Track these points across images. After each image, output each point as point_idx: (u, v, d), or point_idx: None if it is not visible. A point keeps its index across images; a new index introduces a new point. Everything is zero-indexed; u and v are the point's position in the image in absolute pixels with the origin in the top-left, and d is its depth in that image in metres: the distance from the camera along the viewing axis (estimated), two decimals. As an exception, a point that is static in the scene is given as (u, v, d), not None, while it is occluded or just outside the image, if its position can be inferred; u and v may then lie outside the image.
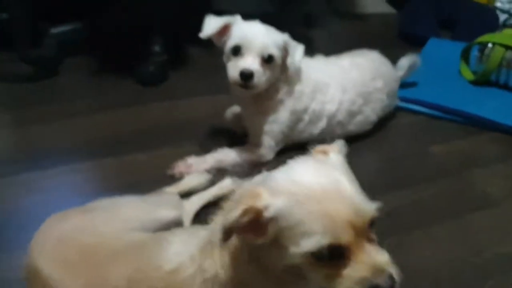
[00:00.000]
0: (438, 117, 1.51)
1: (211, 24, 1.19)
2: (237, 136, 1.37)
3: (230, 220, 0.60)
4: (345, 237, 0.59)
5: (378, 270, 0.60)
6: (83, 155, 1.28)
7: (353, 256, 0.60)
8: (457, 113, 1.49)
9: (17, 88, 1.60)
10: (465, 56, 1.69)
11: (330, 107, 1.31)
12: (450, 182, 1.24)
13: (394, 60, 1.50)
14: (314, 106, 1.29)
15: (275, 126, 1.27)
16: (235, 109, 1.41)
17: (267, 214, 0.60)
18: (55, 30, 1.71)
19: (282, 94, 1.25)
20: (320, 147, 0.70)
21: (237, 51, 1.16)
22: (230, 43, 1.17)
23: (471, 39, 1.72)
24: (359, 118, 1.36)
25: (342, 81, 1.32)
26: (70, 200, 1.12)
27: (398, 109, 1.52)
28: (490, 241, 1.07)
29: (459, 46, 1.74)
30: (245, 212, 0.60)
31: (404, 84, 1.54)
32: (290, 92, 1.26)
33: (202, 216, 1.08)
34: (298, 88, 1.27)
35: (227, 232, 0.62)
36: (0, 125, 1.42)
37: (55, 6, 1.86)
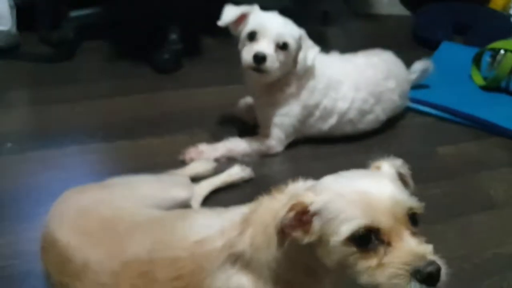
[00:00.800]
0: (447, 120, 1.53)
1: (229, 12, 1.22)
2: (248, 126, 1.40)
3: (280, 217, 0.64)
4: (384, 221, 0.60)
5: (420, 257, 0.60)
6: (99, 136, 1.32)
7: (394, 243, 0.60)
8: (466, 117, 1.52)
9: (37, 68, 1.64)
10: (476, 61, 1.71)
11: (342, 105, 1.32)
12: (455, 183, 1.27)
13: (407, 61, 1.52)
14: (326, 102, 1.31)
15: (285, 119, 1.30)
16: (248, 100, 1.44)
17: (312, 208, 0.63)
18: (74, 13, 1.75)
19: (293, 87, 1.27)
20: (376, 163, 0.72)
21: (252, 36, 1.19)
22: (247, 29, 1.20)
23: (484, 45, 1.73)
24: (369, 117, 1.38)
25: (356, 79, 1.34)
26: (85, 178, 1.16)
27: (408, 109, 1.54)
28: (490, 241, 1.10)
29: (471, 51, 1.76)
30: (292, 207, 0.64)
31: (415, 86, 1.57)
32: (303, 87, 1.28)
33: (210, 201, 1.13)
34: (311, 83, 1.29)
35: (280, 232, 0.65)
36: (20, 103, 1.47)
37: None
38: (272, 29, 1.18)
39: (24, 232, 1.02)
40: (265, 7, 1.87)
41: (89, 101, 1.48)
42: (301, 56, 1.22)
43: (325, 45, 1.35)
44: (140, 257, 0.74)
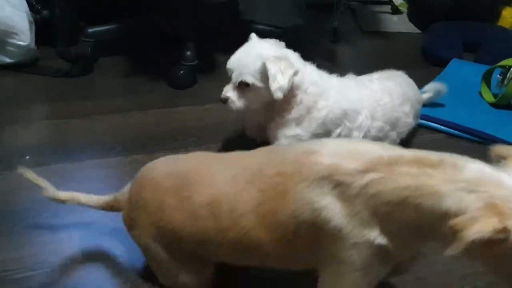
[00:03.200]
0: (457, 136, 1.55)
1: None
2: (258, 144, 1.42)
3: (478, 236, 0.59)
4: None
5: None
6: (116, 150, 1.36)
7: None
8: (476, 133, 1.53)
9: (55, 83, 1.68)
10: (486, 78, 1.73)
11: (357, 134, 1.28)
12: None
13: (416, 79, 1.54)
14: (340, 131, 1.26)
15: (292, 141, 1.25)
16: (253, 119, 1.40)
17: None
18: (91, 29, 1.80)
19: (295, 113, 1.22)
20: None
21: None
22: None
23: (494, 62, 1.75)
24: (384, 142, 1.32)
25: (373, 108, 1.29)
26: (102, 191, 1.18)
27: (418, 126, 1.56)
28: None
29: (481, 68, 1.78)
30: (498, 231, 0.59)
31: (426, 103, 1.59)
32: (309, 113, 1.23)
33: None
34: (322, 112, 1.23)
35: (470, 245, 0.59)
36: (39, 117, 1.51)
37: (94, 7, 1.95)
38: (230, 69, 1.21)
39: (43, 244, 1.05)
40: (277, 26, 1.91)
41: (106, 115, 1.52)
42: (271, 83, 1.15)
43: (335, 63, 1.37)
44: (254, 165, 0.81)
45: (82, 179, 1.24)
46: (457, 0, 2.23)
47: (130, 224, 0.89)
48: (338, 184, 0.71)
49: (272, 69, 1.15)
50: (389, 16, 2.46)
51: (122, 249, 1.05)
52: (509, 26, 2.23)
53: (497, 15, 2.28)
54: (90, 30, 1.80)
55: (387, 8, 2.51)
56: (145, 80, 1.73)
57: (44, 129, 1.46)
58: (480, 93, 1.74)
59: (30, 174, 0.99)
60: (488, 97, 1.71)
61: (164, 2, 1.85)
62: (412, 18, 2.43)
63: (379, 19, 2.41)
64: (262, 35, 1.90)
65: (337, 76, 1.31)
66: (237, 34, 2.00)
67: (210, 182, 0.82)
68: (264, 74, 1.17)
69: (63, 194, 0.98)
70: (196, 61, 1.71)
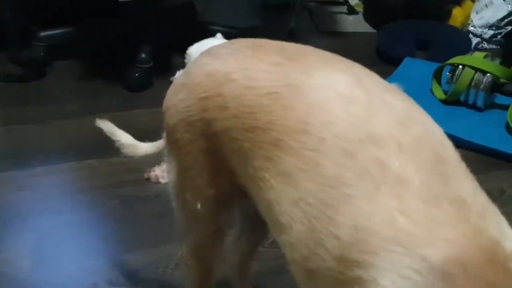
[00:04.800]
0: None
1: None
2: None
3: None
4: None
5: None
6: (69, 155, 1.33)
7: None
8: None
9: (6, 88, 1.64)
10: (437, 76, 1.79)
11: None
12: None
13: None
14: None
15: None
16: None
17: None
18: (44, 33, 1.76)
19: None
20: None
21: None
22: None
23: (445, 60, 1.81)
24: None
25: None
26: (55, 198, 1.17)
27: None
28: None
29: (433, 66, 1.83)
30: None
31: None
32: None
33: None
34: None
35: None
36: (-11, 123, 1.47)
37: (46, 10, 1.91)
38: (188, 55, 1.38)
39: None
40: (234, 26, 1.91)
41: (59, 120, 1.49)
42: None
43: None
44: None
45: (34, 186, 1.22)
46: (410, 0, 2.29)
47: None
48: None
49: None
50: (345, 16, 2.50)
51: (78, 255, 1.04)
52: (459, 25, 2.31)
53: (448, 15, 2.35)
54: (42, 33, 1.76)
55: (343, 8, 2.55)
56: (100, 83, 1.71)
57: (-5, 136, 1.43)
58: (431, 91, 1.80)
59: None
60: (439, 94, 1.77)
61: (119, 5, 1.83)
62: (367, 18, 2.47)
63: (335, 19, 2.45)
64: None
65: None
66: (193, 35, 2.00)
67: None
68: None
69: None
70: (152, 63, 1.70)
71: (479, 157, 1.50)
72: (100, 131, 1.45)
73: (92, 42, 1.88)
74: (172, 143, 0.68)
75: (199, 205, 0.68)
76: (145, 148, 0.86)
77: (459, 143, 1.63)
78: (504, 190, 1.38)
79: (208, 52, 0.67)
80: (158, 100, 1.65)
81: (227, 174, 0.63)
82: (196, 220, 0.71)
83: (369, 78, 0.58)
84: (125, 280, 1.00)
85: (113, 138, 0.88)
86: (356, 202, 0.46)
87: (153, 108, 1.60)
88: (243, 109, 0.56)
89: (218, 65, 0.62)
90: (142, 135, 1.46)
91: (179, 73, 1.39)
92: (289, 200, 0.50)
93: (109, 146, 1.38)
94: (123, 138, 0.89)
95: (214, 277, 0.79)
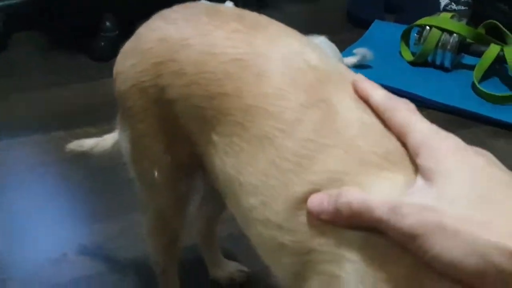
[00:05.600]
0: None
1: None
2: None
3: None
4: None
5: None
6: (35, 128, 1.31)
7: None
8: (397, 92, 1.59)
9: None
10: (405, 38, 1.79)
11: None
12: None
13: (342, 41, 1.57)
14: None
15: None
16: None
17: None
18: (1, 3, 1.70)
19: None
20: None
21: None
22: None
23: (412, 22, 1.82)
24: None
25: None
26: (22, 172, 1.15)
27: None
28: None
29: (401, 28, 1.83)
30: None
31: (352, 66, 1.62)
32: None
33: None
34: None
35: None
36: (-51, 97, 1.43)
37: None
38: None
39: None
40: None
41: (24, 94, 1.46)
42: None
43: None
44: None
45: (0, 160, 1.20)
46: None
47: None
48: None
49: None
50: (315, -21, 2.47)
51: (47, 227, 1.03)
52: (428, -14, 2.30)
53: (417, -24, 2.34)
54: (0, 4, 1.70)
55: (314, -29, 2.52)
56: (64, 54, 1.66)
57: (-44, 111, 1.39)
58: (400, 53, 1.80)
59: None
60: (407, 55, 1.78)
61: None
62: (337, -19, 2.45)
63: (305, -18, 2.42)
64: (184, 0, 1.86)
65: None
66: (159, 1, 1.95)
67: None
68: None
69: None
70: (117, 31, 1.66)
71: (446, 117, 1.52)
72: (66, 102, 1.44)
73: (52, 11, 1.82)
74: (125, 111, 0.67)
75: (156, 173, 0.67)
76: (111, 138, 0.83)
77: (427, 104, 1.66)
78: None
79: (160, 16, 0.65)
80: (125, 69, 1.63)
81: (184, 141, 0.62)
82: (155, 188, 0.70)
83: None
84: (95, 249, 1.00)
85: (84, 149, 0.87)
86: (333, 150, 0.47)
87: (120, 78, 1.57)
88: (205, 75, 0.55)
89: (172, 30, 0.60)
90: (108, 106, 1.44)
91: None
92: (265, 160, 0.50)
93: (77, 117, 1.37)
94: (91, 143, 0.87)
95: (180, 245, 0.79)
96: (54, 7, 1.82)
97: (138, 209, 1.03)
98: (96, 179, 1.18)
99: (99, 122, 1.34)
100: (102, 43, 1.64)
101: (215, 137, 0.55)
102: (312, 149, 0.48)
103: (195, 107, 0.56)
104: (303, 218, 0.47)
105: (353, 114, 0.49)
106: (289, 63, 0.53)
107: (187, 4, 0.66)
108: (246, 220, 0.54)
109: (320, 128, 0.48)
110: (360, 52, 1.63)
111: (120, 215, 1.07)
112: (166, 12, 0.65)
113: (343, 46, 1.65)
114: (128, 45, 0.67)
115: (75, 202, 1.12)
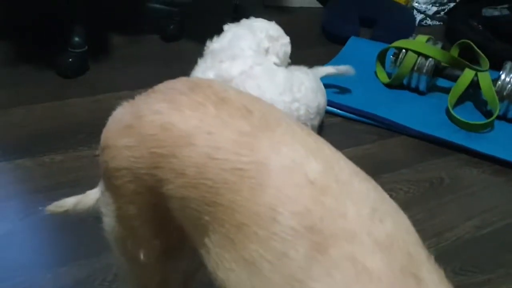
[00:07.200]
0: (354, 120, 1.59)
1: None
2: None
3: None
4: None
5: None
6: (-4, 155, 1.24)
7: None
8: (370, 116, 1.58)
9: None
10: (381, 58, 1.78)
11: None
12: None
13: (317, 57, 1.53)
14: None
15: None
16: None
17: None
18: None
19: None
20: None
21: None
22: None
23: (390, 38, 1.81)
24: None
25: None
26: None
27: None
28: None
29: (377, 47, 1.83)
30: None
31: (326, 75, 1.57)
32: None
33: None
34: None
35: None
36: None
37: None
38: None
39: None
40: (174, 2, 1.81)
41: (-16, 113, 1.38)
42: None
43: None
44: None
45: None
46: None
47: None
48: None
49: None
50: (291, -11, 2.44)
51: (7, 272, 0.97)
52: (404, 1, 2.30)
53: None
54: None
55: (290, -20, 2.48)
56: (29, 70, 1.58)
57: None
58: (375, 73, 1.79)
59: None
60: (383, 77, 1.77)
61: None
62: (314, -9, 2.42)
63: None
64: (158, 13, 1.80)
65: None
66: (131, 14, 1.89)
67: None
68: None
69: None
70: (86, 46, 1.59)
71: (419, 144, 1.53)
72: (30, 124, 1.37)
73: (18, 23, 1.73)
74: (112, 187, 0.61)
75: (142, 255, 0.63)
76: (94, 194, 0.75)
77: (401, 130, 1.66)
78: (443, 179, 1.41)
79: (163, 93, 0.60)
80: (94, 88, 1.57)
81: (176, 231, 0.59)
82: (139, 267, 0.66)
83: (338, 162, 0.54)
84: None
85: (66, 209, 0.79)
86: None
87: (89, 97, 1.51)
88: (205, 181, 0.52)
89: (177, 119, 0.55)
90: (75, 129, 1.39)
91: (198, 70, 1.24)
92: None
93: (41, 142, 1.31)
94: (73, 202, 0.78)
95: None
96: (21, 19, 1.74)
97: (108, 249, 0.99)
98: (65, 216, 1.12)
99: (65, 147, 1.29)
100: (70, 59, 1.56)
101: (209, 244, 0.52)
102: None
103: (191, 209, 0.53)
104: None
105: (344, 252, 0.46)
106: (287, 177, 0.50)
107: (194, 81, 0.61)
108: None
109: (308, 266, 0.45)
110: (341, 69, 1.60)
111: (90, 256, 1.01)
112: (170, 91, 0.59)
113: (319, 60, 1.63)
114: (124, 118, 0.60)
115: (40, 242, 1.06)
